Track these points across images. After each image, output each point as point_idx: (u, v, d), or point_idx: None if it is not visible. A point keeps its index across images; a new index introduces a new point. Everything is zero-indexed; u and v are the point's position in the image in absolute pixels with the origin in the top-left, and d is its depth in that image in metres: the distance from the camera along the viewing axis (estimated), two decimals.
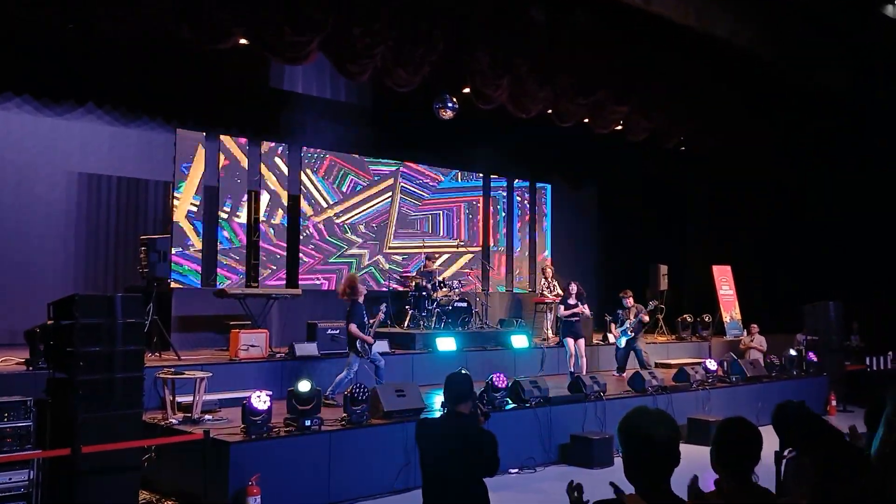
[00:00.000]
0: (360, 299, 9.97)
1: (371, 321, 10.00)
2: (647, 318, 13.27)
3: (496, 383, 9.59)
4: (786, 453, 4.36)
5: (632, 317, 13.04)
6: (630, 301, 13.23)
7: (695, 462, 3.79)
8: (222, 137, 12.69)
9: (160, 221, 12.87)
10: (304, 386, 7.90)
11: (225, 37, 9.48)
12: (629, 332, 13.10)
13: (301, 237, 13.79)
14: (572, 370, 12.26)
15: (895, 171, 16.02)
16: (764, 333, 15.65)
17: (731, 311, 18.07)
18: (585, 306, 12.62)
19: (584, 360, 12.52)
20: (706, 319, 16.82)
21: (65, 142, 12.23)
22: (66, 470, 6.52)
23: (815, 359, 14.50)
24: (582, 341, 12.55)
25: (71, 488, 6.55)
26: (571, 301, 12.52)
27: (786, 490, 4.44)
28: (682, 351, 15.91)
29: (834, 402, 13.91)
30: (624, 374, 12.68)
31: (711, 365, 12.69)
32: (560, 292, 15.02)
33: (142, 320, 7.49)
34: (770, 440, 3.54)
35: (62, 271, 12.16)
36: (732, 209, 18.33)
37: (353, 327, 9.68)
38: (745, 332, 16.46)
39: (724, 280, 18.22)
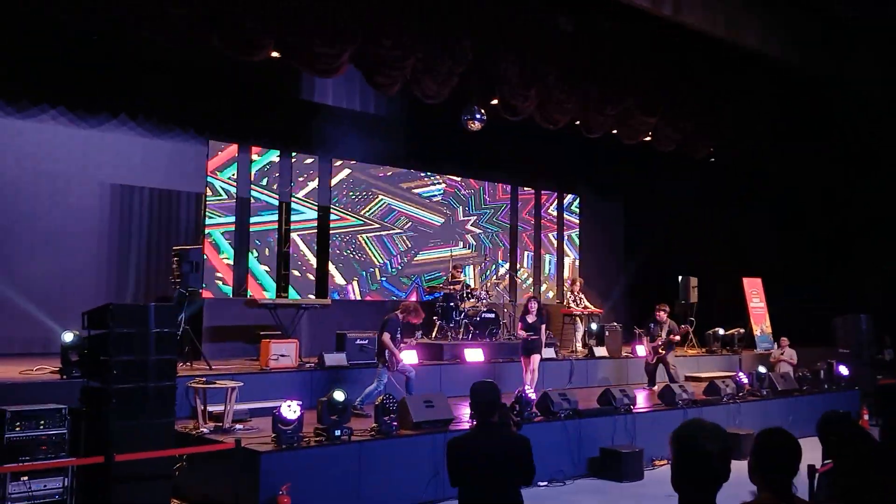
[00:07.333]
0: (401, 317, 10.01)
1: (405, 341, 10.04)
2: (677, 339, 13.04)
3: (526, 395, 9.57)
4: (818, 467, 4.31)
5: (663, 334, 12.85)
6: (663, 315, 12.92)
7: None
8: (253, 148, 12.85)
9: (192, 232, 13.00)
10: (339, 395, 7.91)
11: (256, 49, 9.54)
12: (660, 350, 12.90)
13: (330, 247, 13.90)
14: (528, 385, 11.05)
15: None
16: (794, 347, 15.43)
17: (761, 324, 17.83)
18: (543, 326, 11.65)
19: (536, 375, 11.65)
20: (738, 333, 16.60)
21: (98, 153, 12.41)
22: (100, 477, 6.58)
23: (843, 373, 14.23)
24: (537, 357, 11.61)
25: (104, 496, 6.60)
26: (531, 319, 11.52)
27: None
28: (713, 364, 15.72)
29: (866, 416, 13.66)
30: (654, 388, 12.55)
31: (743, 378, 12.52)
32: (588, 304, 14.93)
33: (174, 330, 7.56)
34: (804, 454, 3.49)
35: (95, 281, 12.31)
36: (763, 220, 18.10)
37: (387, 337, 9.72)
38: (775, 346, 16.25)
39: (754, 293, 18.00)
